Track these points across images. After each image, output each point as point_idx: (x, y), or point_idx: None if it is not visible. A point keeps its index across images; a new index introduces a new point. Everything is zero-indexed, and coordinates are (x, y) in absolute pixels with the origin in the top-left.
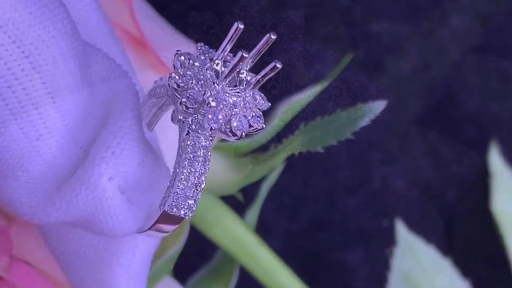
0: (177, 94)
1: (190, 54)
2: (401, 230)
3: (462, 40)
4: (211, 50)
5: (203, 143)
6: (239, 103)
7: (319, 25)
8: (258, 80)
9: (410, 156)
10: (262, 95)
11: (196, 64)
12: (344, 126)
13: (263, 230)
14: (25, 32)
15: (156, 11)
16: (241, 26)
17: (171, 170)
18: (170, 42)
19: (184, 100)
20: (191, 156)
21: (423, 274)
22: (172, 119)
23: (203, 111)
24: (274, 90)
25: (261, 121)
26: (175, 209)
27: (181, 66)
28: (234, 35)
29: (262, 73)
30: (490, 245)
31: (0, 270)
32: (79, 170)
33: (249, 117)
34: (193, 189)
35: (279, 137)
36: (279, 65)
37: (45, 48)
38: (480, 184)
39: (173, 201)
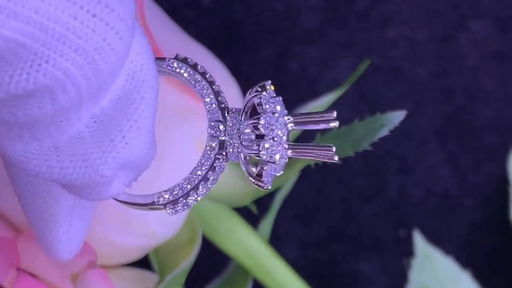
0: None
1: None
2: (419, 241)
3: (480, 45)
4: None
5: (223, 166)
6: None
7: (334, 30)
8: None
9: (428, 164)
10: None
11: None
12: (362, 137)
13: (277, 239)
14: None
15: (168, 16)
16: (334, 116)
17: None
18: (183, 49)
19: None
20: (215, 176)
21: (441, 287)
22: (212, 133)
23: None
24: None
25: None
26: (171, 208)
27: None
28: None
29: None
30: (511, 257)
31: (7, 283)
32: (89, 148)
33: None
34: (194, 199)
35: None
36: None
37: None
38: (499, 193)
39: (179, 206)
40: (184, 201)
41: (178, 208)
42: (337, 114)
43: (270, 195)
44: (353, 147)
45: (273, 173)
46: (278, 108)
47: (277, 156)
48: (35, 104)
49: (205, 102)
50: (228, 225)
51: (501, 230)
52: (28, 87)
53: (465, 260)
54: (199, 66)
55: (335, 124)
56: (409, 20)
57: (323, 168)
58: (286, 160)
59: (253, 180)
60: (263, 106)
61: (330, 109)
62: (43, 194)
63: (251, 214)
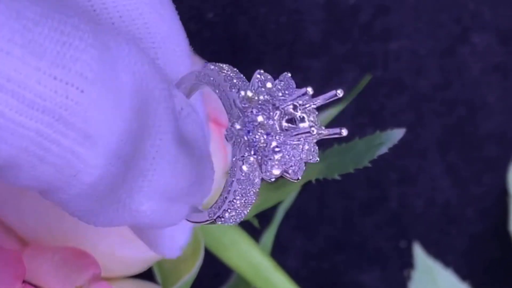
0: (238, 136)
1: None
2: (418, 253)
3: (482, 58)
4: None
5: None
6: (299, 152)
7: (337, 43)
8: (320, 134)
9: (429, 176)
10: (317, 148)
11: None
12: (362, 154)
13: (279, 250)
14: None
15: None
16: (310, 92)
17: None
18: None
19: (247, 148)
20: (242, 181)
21: None
22: (226, 137)
23: (264, 158)
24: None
25: (315, 156)
26: (220, 221)
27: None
28: (326, 100)
29: (328, 132)
30: (511, 269)
31: None
32: (119, 189)
33: (306, 160)
34: (240, 209)
35: None
36: (344, 132)
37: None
38: (499, 205)
39: (222, 214)
40: (227, 213)
41: (226, 219)
42: (339, 127)
43: (273, 208)
44: (353, 164)
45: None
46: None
47: (273, 144)
48: (27, 170)
49: (224, 105)
50: (230, 237)
51: (501, 242)
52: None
53: (465, 271)
54: (222, 66)
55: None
56: (412, 33)
57: (324, 179)
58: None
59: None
60: (242, 104)
61: (332, 122)
62: None
63: (253, 227)
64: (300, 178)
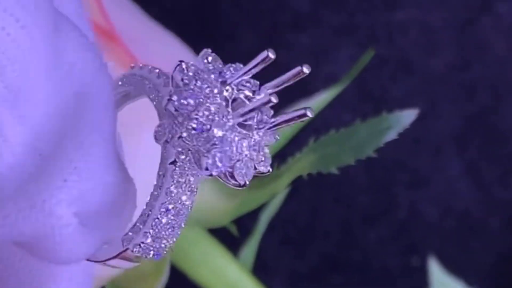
0: (175, 121)
1: (196, 68)
2: (435, 270)
3: (508, 32)
4: (221, 66)
5: (191, 178)
6: (249, 145)
7: (330, 13)
8: (278, 124)
9: (444, 177)
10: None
11: (203, 85)
12: (365, 142)
13: (262, 269)
14: None
15: None
16: (272, 56)
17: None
18: (144, 34)
19: (184, 134)
20: (174, 190)
21: None
22: (156, 138)
23: (202, 149)
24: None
25: (267, 165)
26: (141, 251)
27: (183, 84)
28: (260, 63)
29: (287, 117)
30: None
31: None
32: (32, 188)
33: (256, 162)
34: (169, 230)
35: (283, 155)
36: (310, 114)
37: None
38: None
39: (142, 241)
40: (150, 236)
41: (148, 246)
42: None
43: (254, 214)
44: (354, 154)
45: (232, 160)
46: (215, 74)
47: (215, 132)
48: None
49: (150, 99)
50: (202, 250)
51: None
52: None
53: None
54: (135, 67)
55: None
56: (422, 1)
57: (318, 181)
58: (252, 141)
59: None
60: (184, 80)
61: (327, 109)
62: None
63: (230, 237)
64: (247, 183)
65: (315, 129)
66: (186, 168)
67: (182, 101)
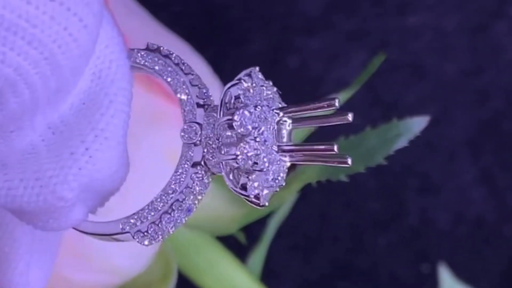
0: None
1: (257, 91)
2: (445, 277)
3: None
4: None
5: (206, 180)
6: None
7: (341, 18)
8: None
9: (457, 184)
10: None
11: (262, 110)
12: (375, 149)
13: (271, 276)
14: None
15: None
16: (350, 119)
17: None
18: (153, 39)
19: (231, 153)
20: (189, 190)
21: None
22: (183, 137)
23: (243, 169)
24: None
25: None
26: (140, 238)
27: (240, 104)
28: (323, 108)
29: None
30: None
31: None
32: (42, 164)
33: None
34: (172, 224)
35: None
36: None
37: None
38: None
39: (145, 231)
40: (156, 228)
41: (149, 238)
42: (346, 122)
43: (262, 221)
44: (364, 162)
45: (266, 185)
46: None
47: (263, 161)
48: None
49: (180, 100)
50: (210, 257)
51: None
52: None
53: None
54: (174, 55)
55: (347, 115)
56: (435, 5)
57: (327, 187)
58: (284, 168)
59: (241, 195)
60: (242, 99)
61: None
62: None
63: (238, 244)
64: (266, 205)
65: (324, 135)
66: (206, 170)
67: (243, 122)
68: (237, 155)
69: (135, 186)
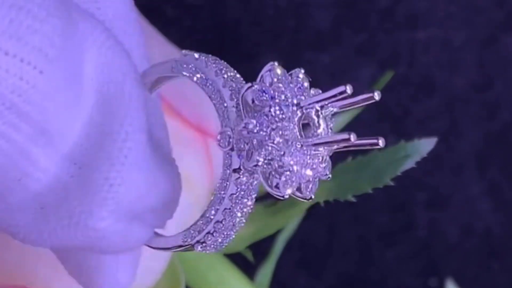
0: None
1: (276, 87)
2: None
3: None
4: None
5: (254, 181)
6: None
7: (351, 32)
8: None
9: (465, 197)
10: (330, 163)
11: (281, 108)
12: (382, 170)
13: None
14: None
15: (143, 15)
16: (349, 92)
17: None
18: (162, 55)
19: (257, 153)
20: (237, 197)
21: None
22: (219, 145)
23: (278, 169)
24: None
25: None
26: (202, 247)
27: (259, 104)
28: (336, 95)
29: (362, 142)
30: None
31: None
32: (72, 201)
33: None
34: (230, 229)
35: None
36: (382, 143)
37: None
38: None
39: (203, 240)
40: (212, 236)
41: (209, 246)
42: (375, 137)
43: (271, 237)
44: (371, 183)
45: (303, 181)
46: (288, 95)
47: (288, 162)
48: None
49: (214, 104)
50: (218, 274)
51: None
52: None
53: None
54: (209, 58)
55: (374, 94)
56: (444, 19)
57: (335, 201)
58: (320, 160)
59: (277, 196)
60: (255, 101)
61: (346, 130)
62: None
63: (246, 259)
64: (313, 197)
65: (332, 155)
66: (249, 174)
67: (260, 126)
68: (258, 161)
69: None
